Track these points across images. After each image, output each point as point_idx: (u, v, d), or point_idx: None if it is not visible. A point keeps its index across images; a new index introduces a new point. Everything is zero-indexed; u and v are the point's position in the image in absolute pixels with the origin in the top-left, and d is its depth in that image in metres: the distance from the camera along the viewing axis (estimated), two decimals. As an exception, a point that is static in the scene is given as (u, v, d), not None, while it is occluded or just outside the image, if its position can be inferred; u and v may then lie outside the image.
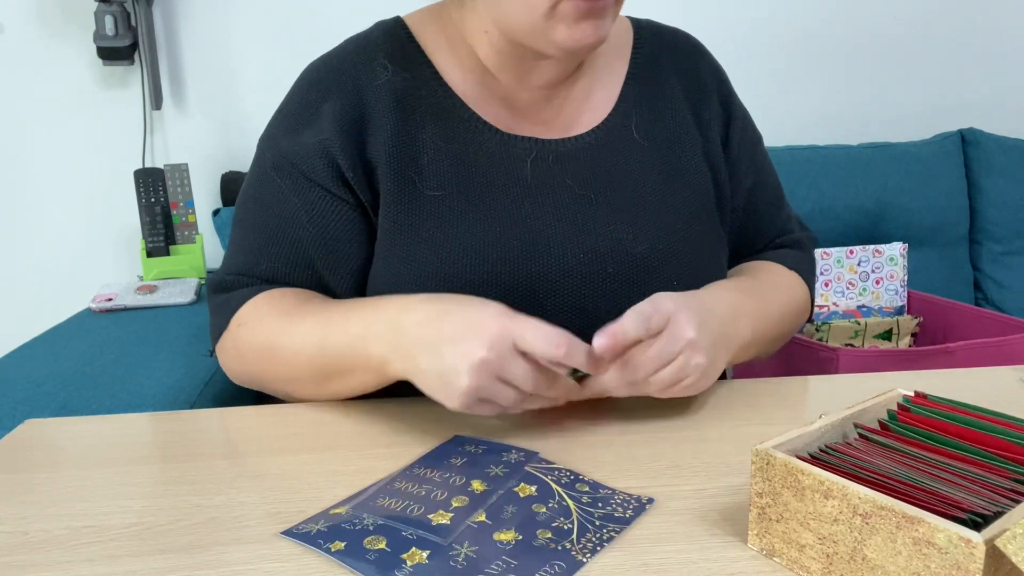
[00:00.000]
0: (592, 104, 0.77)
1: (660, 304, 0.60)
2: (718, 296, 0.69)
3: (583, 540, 0.48)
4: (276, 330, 0.69)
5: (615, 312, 0.60)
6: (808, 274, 0.85)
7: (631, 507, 0.52)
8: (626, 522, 0.50)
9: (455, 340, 0.57)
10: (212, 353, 0.77)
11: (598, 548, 0.47)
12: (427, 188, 0.72)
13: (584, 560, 0.46)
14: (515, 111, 0.75)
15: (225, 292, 0.74)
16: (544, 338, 0.56)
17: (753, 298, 0.73)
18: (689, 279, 0.72)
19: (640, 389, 0.61)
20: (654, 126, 0.78)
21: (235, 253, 0.76)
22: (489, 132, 0.74)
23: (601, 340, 0.58)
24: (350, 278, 0.74)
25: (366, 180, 0.73)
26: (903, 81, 1.97)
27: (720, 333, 0.64)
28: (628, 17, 0.84)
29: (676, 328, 0.60)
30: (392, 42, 0.76)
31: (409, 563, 0.45)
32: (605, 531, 0.49)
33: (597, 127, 0.76)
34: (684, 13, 1.75)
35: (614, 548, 0.47)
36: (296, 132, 0.74)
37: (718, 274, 0.78)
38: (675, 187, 0.77)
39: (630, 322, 0.58)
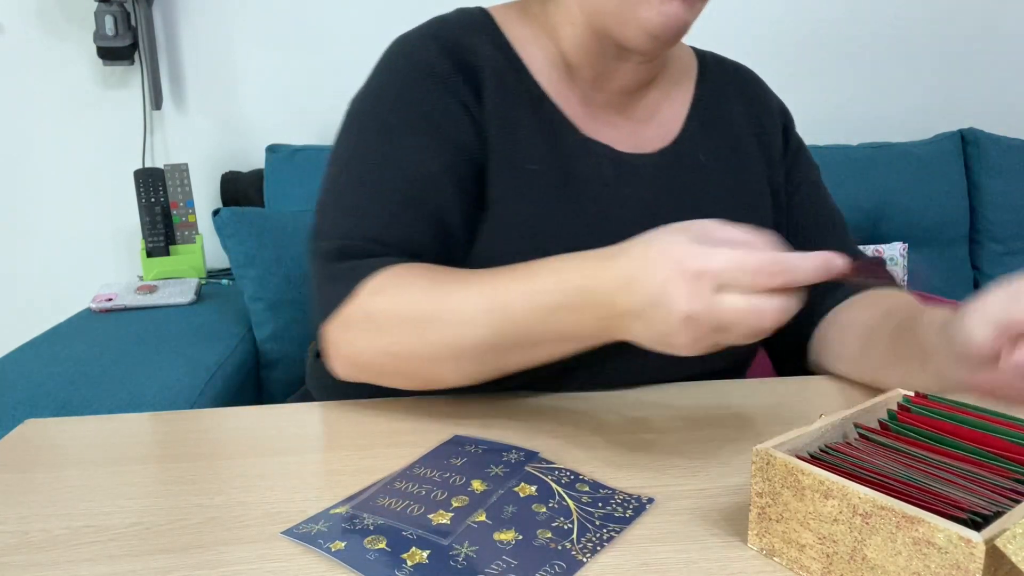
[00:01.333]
0: (660, 124, 0.78)
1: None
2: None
3: (583, 540, 0.48)
4: (433, 295, 0.61)
5: None
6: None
7: (631, 507, 0.52)
8: (626, 522, 0.50)
9: (655, 303, 0.50)
10: (317, 331, 0.68)
11: (598, 548, 0.47)
12: (525, 162, 0.71)
13: (584, 560, 0.46)
14: (591, 114, 0.76)
15: (351, 259, 0.66)
16: (746, 268, 0.47)
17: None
18: None
19: None
20: (721, 152, 0.79)
21: (354, 217, 0.68)
22: (570, 128, 0.74)
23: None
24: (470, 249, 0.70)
25: (485, 147, 0.71)
26: (903, 81, 1.97)
27: None
28: (691, 47, 0.86)
29: None
30: (481, 27, 0.75)
31: (409, 563, 0.45)
32: (605, 531, 0.49)
33: (665, 148, 0.77)
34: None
35: (614, 548, 0.47)
36: (425, 95, 0.70)
37: None
38: (741, 213, 0.77)
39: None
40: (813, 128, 1.93)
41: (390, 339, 0.62)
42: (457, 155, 0.70)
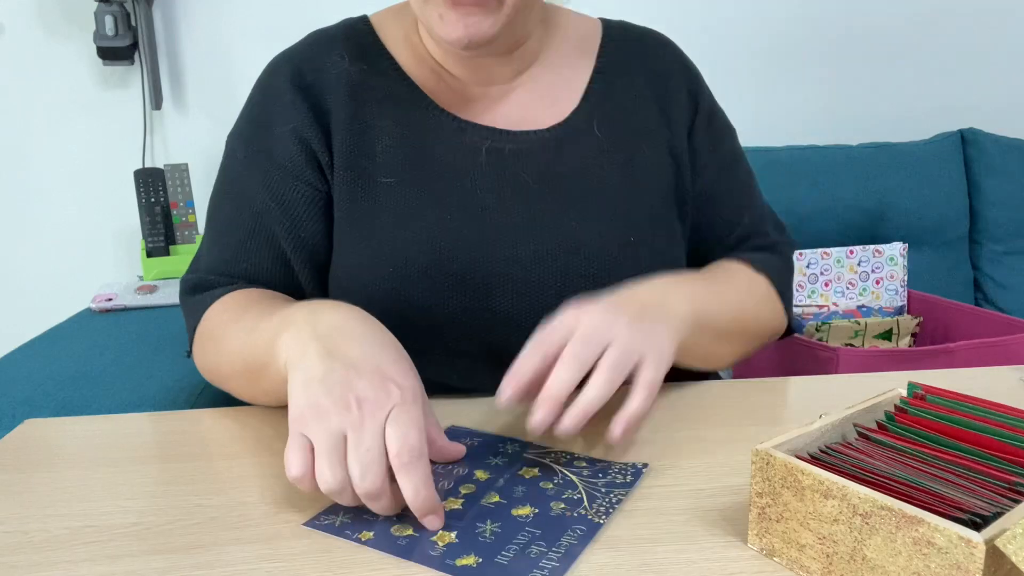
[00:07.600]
0: (554, 101, 0.78)
1: (553, 320, 0.56)
2: (641, 284, 0.64)
3: (595, 505, 0.50)
4: (225, 324, 0.68)
5: (562, 305, 0.57)
6: (779, 276, 0.80)
7: (629, 473, 0.55)
8: (628, 486, 0.53)
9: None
10: (189, 354, 0.76)
11: (610, 511, 0.50)
12: (380, 175, 0.73)
13: (601, 522, 0.48)
14: (472, 104, 0.76)
15: (202, 292, 0.73)
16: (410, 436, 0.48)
17: (696, 281, 0.70)
18: (645, 274, 0.67)
19: (591, 403, 0.53)
20: (618, 123, 0.78)
21: (212, 252, 0.75)
22: (445, 118, 0.75)
23: (506, 392, 0.54)
24: (317, 274, 0.75)
25: (331, 167, 0.73)
26: (903, 81, 1.97)
27: (644, 309, 0.59)
28: (600, 19, 0.84)
29: (584, 327, 0.55)
30: (352, 35, 0.77)
31: (440, 544, 0.46)
32: (612, 495, 0.52)
33: (559, 124, 0.77)
34: (688, 11, 1.75)
35: (614, 548, 0.47)
36: (266, 125, 0.75)
37: (675, 270, 0.74)
38: (636, 184, 0.76)
39: (527, 353, 0.55)
40: (814, 128, 1.93)
41: (204, 359, 0.71)
42: (294, 184, 0.73)
